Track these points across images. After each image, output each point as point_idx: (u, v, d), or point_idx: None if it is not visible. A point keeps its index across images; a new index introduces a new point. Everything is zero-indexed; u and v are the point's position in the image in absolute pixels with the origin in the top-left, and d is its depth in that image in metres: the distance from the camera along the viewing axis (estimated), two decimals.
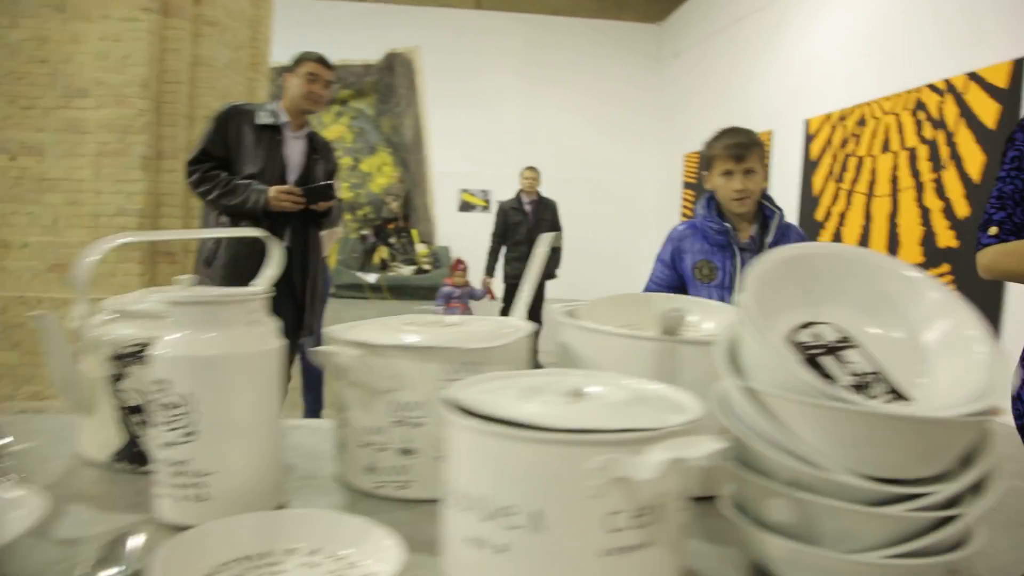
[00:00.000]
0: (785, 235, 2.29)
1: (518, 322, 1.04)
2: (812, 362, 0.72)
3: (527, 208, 6.60)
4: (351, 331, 0.95)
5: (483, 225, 12.57)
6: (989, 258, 1.55)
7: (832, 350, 0.74)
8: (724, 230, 2.22)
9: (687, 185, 11.69)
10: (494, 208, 13.02)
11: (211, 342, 0.81)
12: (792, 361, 0.67)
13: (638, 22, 13.73)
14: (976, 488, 0.69)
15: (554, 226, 6.55)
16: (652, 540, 0.61)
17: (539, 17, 13.18)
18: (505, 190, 12.66)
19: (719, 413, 0.73)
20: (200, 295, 0.84)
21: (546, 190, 6.91)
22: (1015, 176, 1.52)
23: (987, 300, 5.41)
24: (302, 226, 3.18)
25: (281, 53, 11.74)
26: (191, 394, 0.80)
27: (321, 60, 3.13)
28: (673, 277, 2.33)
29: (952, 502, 0.67)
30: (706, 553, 0.81)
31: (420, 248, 12.13)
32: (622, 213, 13.25)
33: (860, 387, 0.71)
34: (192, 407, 0.80)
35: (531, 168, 6.67)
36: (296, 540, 0.72)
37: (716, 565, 0.78)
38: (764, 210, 2.29)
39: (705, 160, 2.29)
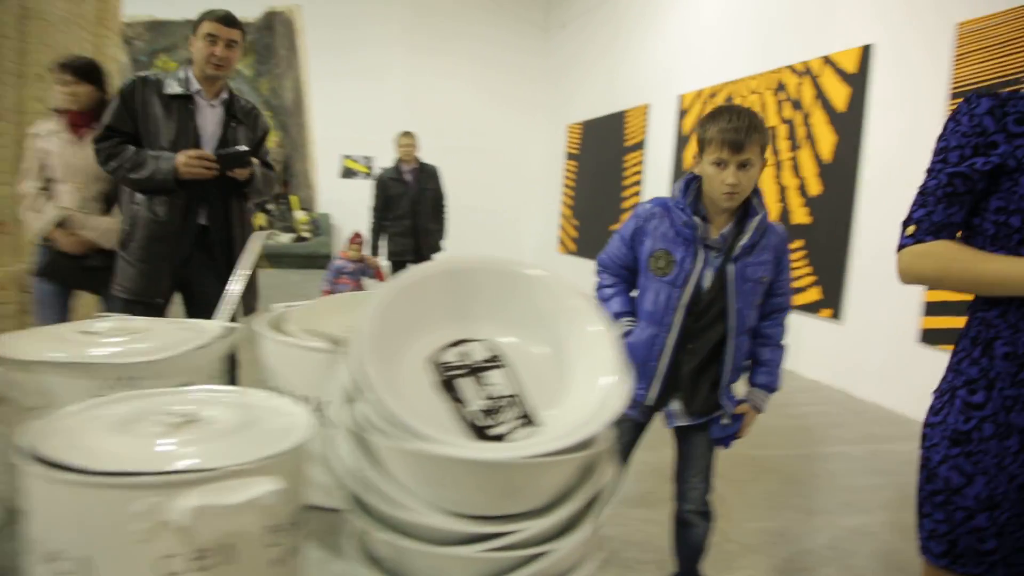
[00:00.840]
0: (765, 238, 1.99)
1: (211, 326, 0.97)
2: (448, 384, 0.70)
3: (407, 177, 6.09)
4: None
5: (366, 192, 12.34)
6: (904, 260, 1.42)
7: (475, 370, 0.71)
8: (692, 224, 1.94)
9: (570, 156, 11.78)
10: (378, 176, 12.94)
11: None
12: (385, 393, 0.63)
13: None
14: (584, 513, 0.67)
15: (438, 195, 6.22)
16: None
17: None
18: (390, 156, 12.49)
19: (321, 444, 0.69)
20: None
21: (432, 158, 6.53)
22: (939, 170, 1.36)
23: (832, 275, 5.71)
24: (222, 200, 2.90)
25: (143, 7, 11.20)
26: None
27: (222, 18, 2.85)
28: (628, 257, 2.05)
29: (554, 534, 0.66)
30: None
31: (299, 215, 11.79)
32: (507, 182, 13.25)
33: (491, 412, 0.69)
34: None
35: (407, 134, 6.15)
36: None
37: None
38: (748, 206, 1.97)
39: (699, 142, 1.95)
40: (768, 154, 6.17)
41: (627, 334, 2.03)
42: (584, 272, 10.67)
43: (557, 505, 0.65)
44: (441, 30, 12.90)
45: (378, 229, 6.16)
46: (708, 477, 2.15)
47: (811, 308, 5.93)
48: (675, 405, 2.05)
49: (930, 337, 4.81)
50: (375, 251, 6.19)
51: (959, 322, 4.19)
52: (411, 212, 5.98)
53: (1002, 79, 4.42)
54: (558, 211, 12.15)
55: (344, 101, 12.33)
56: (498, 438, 0.66)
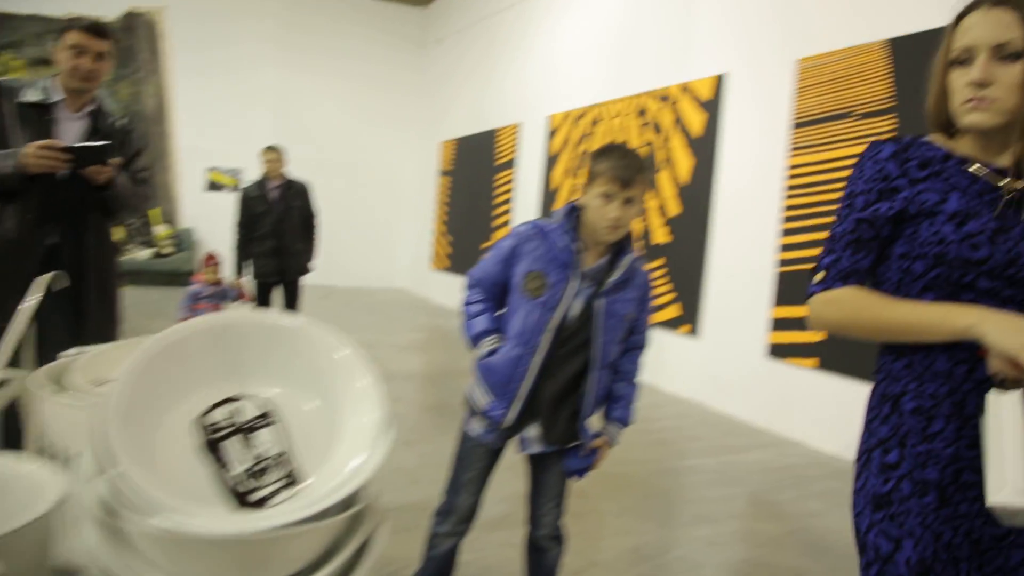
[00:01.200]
0: (634, 276, 2.05)
1: None
2: (212, 446, 0.66)
3: (272, 194, 5.70)
4: None
5: (232, 206, 11.90)
6: (813, 308, 1.37)
7: (243, 430, 0.68)
8: (571, 249, 1.97)
9: (444, 172, 11.79)
10: None
11: None
12: (130, 465, 0.59)
13: (403, 4, 13.60)
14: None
15: (307, 213, 5.83)
16: None
17: None
18: (257, 169, 12.08)
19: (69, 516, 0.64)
20: None
21: (303, 172, 6.24)
22: (845, 216, 1.35)
23: (690, 293, 5.96)
24: (78, 216, 2.64)
25: None
26: None
27: (89, 28, 2.64)
28: (502, 276, 2.06)
29: None
30: None
31: (160, 229, 11.20)
32: (381, 198, 13.11)
33: (256, 473, 0.66)
34: None
35: (272, 148, 5.79)
36: None
37: None
38: (621, 244, 2.03)
39: (589, 174, 2.00)
40: None
41: (491, 353, 2.02)
42: (459, 287, 10.67)
43: (323, 564, 0.63)
44: (314, 43, 12.64)
45: (242, 248, 5.74)
46: (561, 503, 2.17)
47: (671, 324, 6.16)
48: (532, 431, 2.05)
49: (777, 351, 5.10)
50: (239, 271, 5.79)
51: (802, 336, 4.47)
52: (275, 231, 5.61)
53: (836, 111, 4.77)
54: (432, 227, 12.12)
55: (211, 111, 11.85)
56: (259, 503, 0.63)
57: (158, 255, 10.99)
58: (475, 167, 10.47)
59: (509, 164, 9.39)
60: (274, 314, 0.77)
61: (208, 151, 11.92)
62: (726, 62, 5.84)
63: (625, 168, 1.92)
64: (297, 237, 5.73)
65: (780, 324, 5.08)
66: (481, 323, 2.07)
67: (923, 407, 1.29)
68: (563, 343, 1.99)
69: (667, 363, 6.22)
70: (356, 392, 0.72)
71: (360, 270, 12.84)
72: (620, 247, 2.03)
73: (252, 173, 12.26)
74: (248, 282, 5.85)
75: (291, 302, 5.79)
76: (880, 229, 1.32)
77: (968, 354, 1.22)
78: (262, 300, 5.77)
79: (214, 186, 12.07)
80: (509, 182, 9.36)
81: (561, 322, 1.97)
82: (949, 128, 1.35)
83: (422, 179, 12.76)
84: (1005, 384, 1.16)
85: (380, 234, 13.09)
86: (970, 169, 1.29)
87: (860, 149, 4.34)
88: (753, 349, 5.32)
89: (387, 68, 13.24)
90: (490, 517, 3.19)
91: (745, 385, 5.39)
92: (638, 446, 4.52)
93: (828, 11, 4.96)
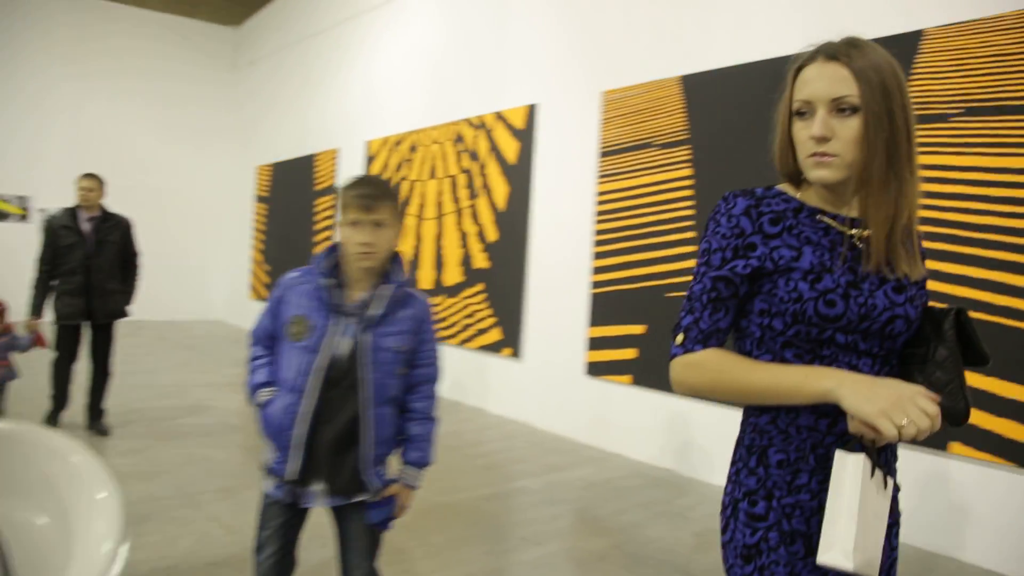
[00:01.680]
0: (404, 307, 2.02)
1: None
2: None
3: (84, 227, 5.05)
4: None
5: (19, 238, 10.83)
6: (675, 371, 1.32)
7: None
8: (326, 287, 1.96)
9: (260, 199, 11.35)
10: (36, 219, 11.43)
11: None
12: None
13: (213, 23, 13.01)
14: None
15: (126, 251, 5.22)
16: None
17: (94, 2, 11.73)
18: (49, 196, 11.09)
19: None
20: None
21: (107, 199, 5.63)
22: (702, 274, 1.31)
23: (511, 316, 6.10)
24: None
25: None
26: None
27: None
28: (271, 326, 2.05)
29: None
30: None
31: None
32: (193, 226, 12.42)
33: None
34: None
35: (89, 176, 5.12)
36: None
37: None
38: (388, 274, 2.01)
39: (339, 208, 2.00)
40: (450, 202, 6.38)
41: (267, 404, 1.96)
42: None
43: None
44: (114, 61, 11.80)
45: (41, 285, 5.00)
46: (371, 557, 2.08)
47: (494, 348, 6.27)
48: (316, 484, 1.98)
49: (594, 369, 5.32)
50: (38, 312, 4.99)
51: (617, 355, 4.69)
52: (84, 267, 4.97)
53: (637, 141, 5.08)
54: (249, 256, 11.62)
55: None
56: None
57: None
58: (294, 193, 10.17)
59: (329, 190, 9.21)
60: None
61: None
62: (537, 92, 6.07)
63: (368, 195, 1.94)
64: (111, 276, 5.08)
65: (596, 343, 5.31)
66: (258, 376, 2.02)
67: (788, 460, 1.29)
68: (334, 385, 1.94)
69: (491, 386, 6.32)
70: (92, 504, 0.67)
71: (173, 302, 12.07)
72: (386, 278, 2.01)
73: (43, 200, 11.29)
74: (46, 325, 5.05)
75: (99, 349, 5.13)
76: (737, 287, 1.29)
77: (831, 407, 1.21)
78: (65, 346, 5.04)
79: None
80: (330, 208, 9.17)
81: (329, 363, 1.93)
82: (797, 177, 1.35)
83: (238, 205, 12.22)
84: (863, 445, 1.17)
85: (194, 263, 12.38)
86: (820, 221, 1.30)
87: (661, 177, 4.67)
88: (572, 368, 5.53)
89: (197, 90, 12.60)
90: (311, 566, 3.08)
91: (567, 403, 5.58)
92: (466, 472, 4.55)
93: (630, 47, 5.28)
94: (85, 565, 0.63)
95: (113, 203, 5.76)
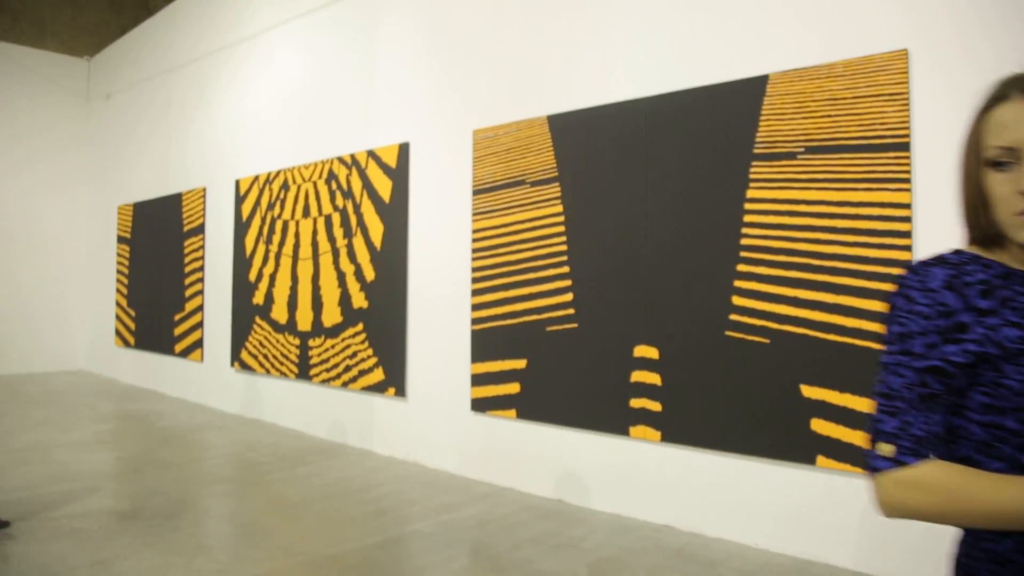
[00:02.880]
0: None
1: None
2: None
3: None
4: None
5: None
6: (888, 492, 1.05)
7: None
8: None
9: (121, 239, 10.80)
10: None
11: None
12: None
13: (62, 54, 12.31)
14: None
15: None
16: None
17: None
18: None
19: None
20: None
21: None
22: (903, 364, 1.07)
23: (393, 355, 6.07)
24: None
25: None
26: None
27: None
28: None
29: None
30: None
31: None
32: (48, 270, 11.66)
33: None
34: None
35: None
36: None
37: None
38: None
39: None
40: (325, 241, 6.32)
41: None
42: (145, 365, 9.78)
43: None
44: None
45: None
46: None
47: (377, 388, 6.21)
48: None
49: (478, 405, 5.37)
50: None
51: (500, 390, 4.76)
52: None
53: (509, 179, 5.19)
54: (114, 300, 11.01)
55: None
56: None
57: None
58: (159, 233, 9.73)
59: (199, 230, 8.87)
60: None
61: None
62: (409, 131, 6.10)
63: None
64: None
65: (479, 379, 5.36)
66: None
67: None
68: None
69: (377, 427, 6.26)
70: None
71: (29, 353, 11.27)
72: None
73: None
74: None
75: None
76: (952, 379, 1.05)
77: None
78: None
79: None
80: (200, 248, 8.84)
81: None
82: (993, 238, 1.11)
83: (98, 248, 11.58)
84: None
85: (51, 310, 11.62)
86: None
87: (534, 213, 4.80)
88: (458, 405, 5.56)
89: (47, 126, 11.89)
90: None
91: (455, 440, 5.60)
92: (355, 520, 4.48)
93: (498, 86, 5.40)
94: None
95: None
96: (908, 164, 3.51)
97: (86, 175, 12.14)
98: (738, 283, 4.05)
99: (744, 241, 4.04)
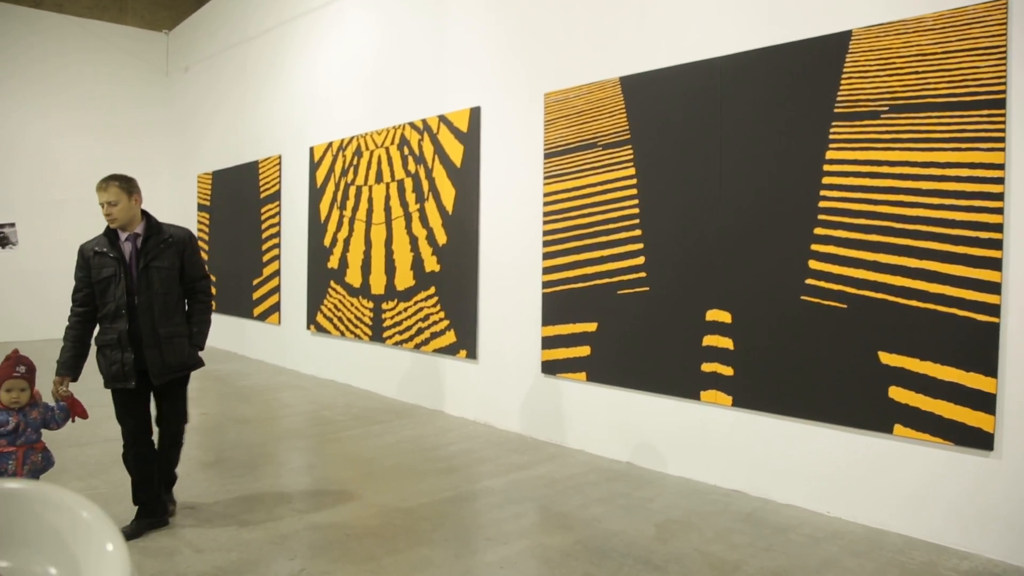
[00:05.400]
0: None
1: None
2: None
3: (126, 248, 3.72)
4: None
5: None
6: None
7: None
8: None
9: (201, 207, 11.16)
10: None
11: None
12: None
13: (142, 28, 12.71)
14: None
15: (188, 275, 3.89)
16: None
17: (19, 10, 11.35)
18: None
19: None
20: None
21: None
22: None
23: (465, 318, 6.15)
24: None
25: None
26: None
27: None
28: None
29: None
30: None
31: None
32: None
33: None
34: None
35: (115, 179, 3.67)
36: None
37: None
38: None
39: None
40: (398, 206, 6.41)
41: None
42: (227, 329, 10.13)
43: None
44: (42, 70, 11.45)
45: (80, 334, 3.71)
46: None
47: (449, 351, 6.32)
48: None
49: (548, 368, 5.42)
50: (71, 368, 3.63)
51: (571, 353, 4.80)
52: (128, 307, 3.66)
53: (581, 142, 5.17)
54: None
55: None
56: None
57: None
58: (237, 201, 10.03)
59: (274, 197, 9.11)
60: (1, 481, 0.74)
61: None
62: (480, 95, 6.11)
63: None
64: (165, 314, 3.73)
65: (550, 342, 5.40)
66: None
67: None
68: None
69: (448, 388, 6.38)
70: (102, 555, 0.72)
71: None
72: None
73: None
74: (66, 392, 3.56)
75: (168, 418, 3.96)
76: None
77: None
78: (125, 415, 3.72)
79: None
80: (276, 214, 9.08)
81: None
82: None
83: (180, 215, 11.98)
84: None
85: None
86: None
87: (606, 176, 4.80)
88: (528, 367, 5.61)
89: (130, 98, 12.33)
90: None
91: (525, 402, 5.67)
92: (427, 475, 4.60)
93: (569, 49, 5.37)
94: None
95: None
96: (1003, 122, 3.36)
97: (167, 146, 12.56)
98: (815, 247, 3.96)
99: (823, 204, 3.94)
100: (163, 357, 3.73)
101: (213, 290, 10.71)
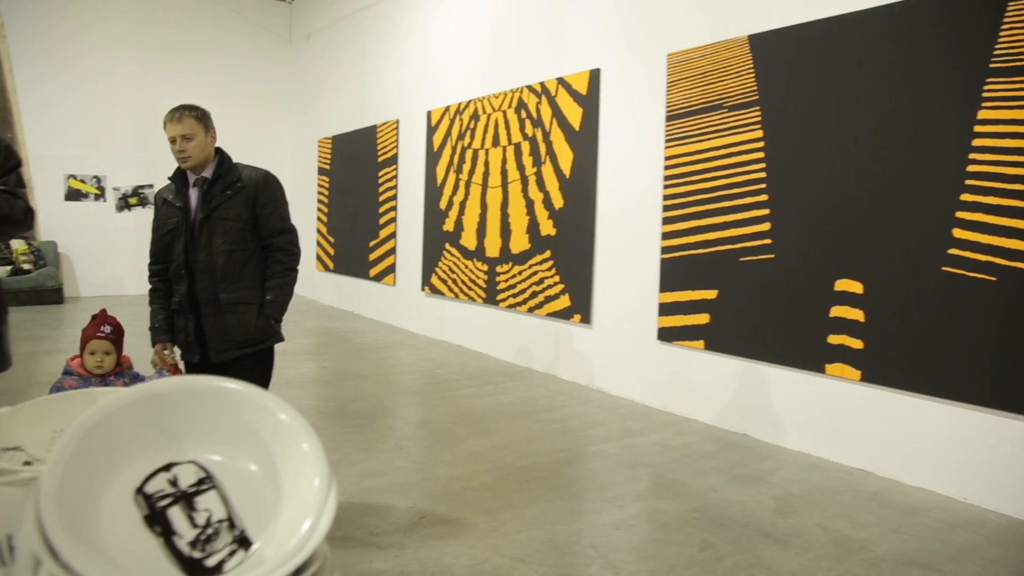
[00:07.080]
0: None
1: None
2: (158, 516, 0.68)
3: (192, 195, 3.22)
4: None
5: (96, 215, 11.25)
6: None
7: (185, 496, 0.70)
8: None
9: (321, 171, 11.54)
10: (111, 198, 11.79)
11: None
12: (72, 554, 0.59)
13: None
14: None
15: (266, 228, 3.29)
16: None
17: None
18: (122, 175, 11.48)
19: None
20: None
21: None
22: None
23: (580, 283, 6.13)
24: None
25: None
26: None
27: None
28: None
29: None
30: None
31: (18, 244, 10.45)
32: None
33: (204, 540, 0.68)
34: None
35: (185, 109, 3.18)
36: None
37: None
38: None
39: None
40: (514, 169, 6.38)
41: None
42: (345, 288, 10.48)
43: None
44: (174, 39, 12.07)
45: (162, 293, 3.32)
46: None
47: (563, 315, 6.32)
48: None
49: (665, 335, 5.34)
50: (163, 333, 3.25)
51: (689, 320, 4.70)
52: (188, 265, 3.18)
53: (706, 104, 5.01)
54: (313, 228, 11.85)
55: (64, 113, 11.14)
56: (215, 569, 0.65)
57: (17, 271, 10.24)
58: (356, 164, 10.31)
59: (392, 160, 9.31)
60: (206, 379, 0.78)
61: (64, 158, 11.21)
62: (600, 57, 6.01)
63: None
64: (228, 275, 3.15)
65: (667, 309, 5.31)
66: None
67: None
68: None
69: (562, 352, 6.39)
70: (299, 455, 0.75)
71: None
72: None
73: (116, 179, 11.67)
74: (173, 350, 3.32)
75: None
76: None
77: None
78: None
79: (75, 195, 11.34)
80: (393, 178, 9.28)
81: None
82: None
83: (301, 178, 12.44)
84: None
85: None
86: None
87: (731, 139, 4.64)
88: (644, 334, 5.55)
89: (254, 65, 12.83)
90: None
91: (639, 369, 5.61)
92: (543, 438, 4.64)
93: (693, 7, 5.19)
94: (299, 506, 0.71)
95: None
96: None
97: (289, 110, 13.02)
98: (960, 214, 3.71)
99: (971, 168, 3.68)
100: (225, 328, 3.14)
101: (332, 251, 11.15)
